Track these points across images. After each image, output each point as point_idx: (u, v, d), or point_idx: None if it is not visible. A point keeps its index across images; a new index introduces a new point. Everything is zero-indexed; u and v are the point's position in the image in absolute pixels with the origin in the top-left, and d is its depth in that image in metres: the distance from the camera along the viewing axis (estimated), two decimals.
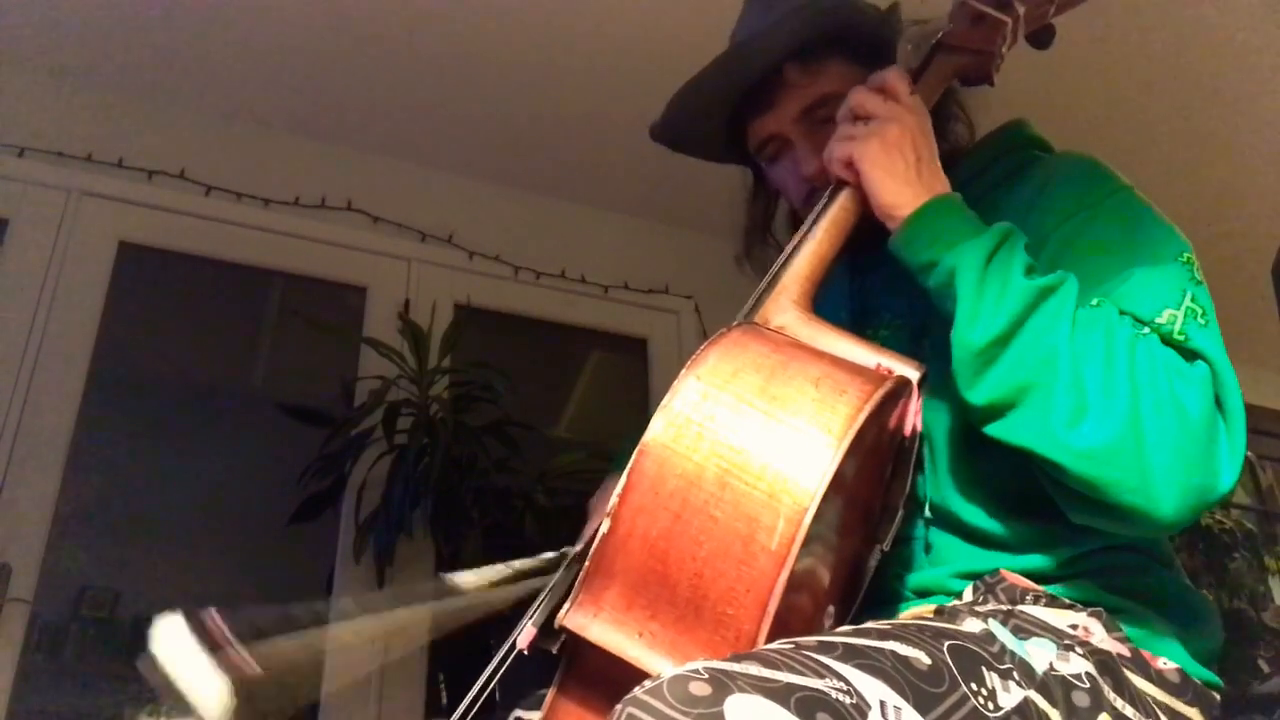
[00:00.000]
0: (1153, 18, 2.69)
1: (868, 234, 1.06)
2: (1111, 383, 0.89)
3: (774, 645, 0.75)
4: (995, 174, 1.19)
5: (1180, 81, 2.92)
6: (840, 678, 0.71)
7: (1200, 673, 0.99)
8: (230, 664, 0.87)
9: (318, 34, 2.69)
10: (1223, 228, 3.40)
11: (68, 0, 2.57)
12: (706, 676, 0.66)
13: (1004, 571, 1.01)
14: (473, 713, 0.96)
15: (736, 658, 0.70)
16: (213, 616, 0.89)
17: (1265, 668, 3.11)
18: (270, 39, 2.71)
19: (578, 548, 1.01)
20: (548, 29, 2.69)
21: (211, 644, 0.87)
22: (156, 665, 0.86)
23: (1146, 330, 0.96)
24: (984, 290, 0.94)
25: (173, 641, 0.86)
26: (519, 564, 1.06)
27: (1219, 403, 0.92)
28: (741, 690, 0.65)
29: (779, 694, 0.66)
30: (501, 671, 0.96)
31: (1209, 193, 3.33)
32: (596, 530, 0.84)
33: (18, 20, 2.60)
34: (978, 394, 0.93)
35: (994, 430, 0.94)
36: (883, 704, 0.71)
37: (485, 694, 0.97)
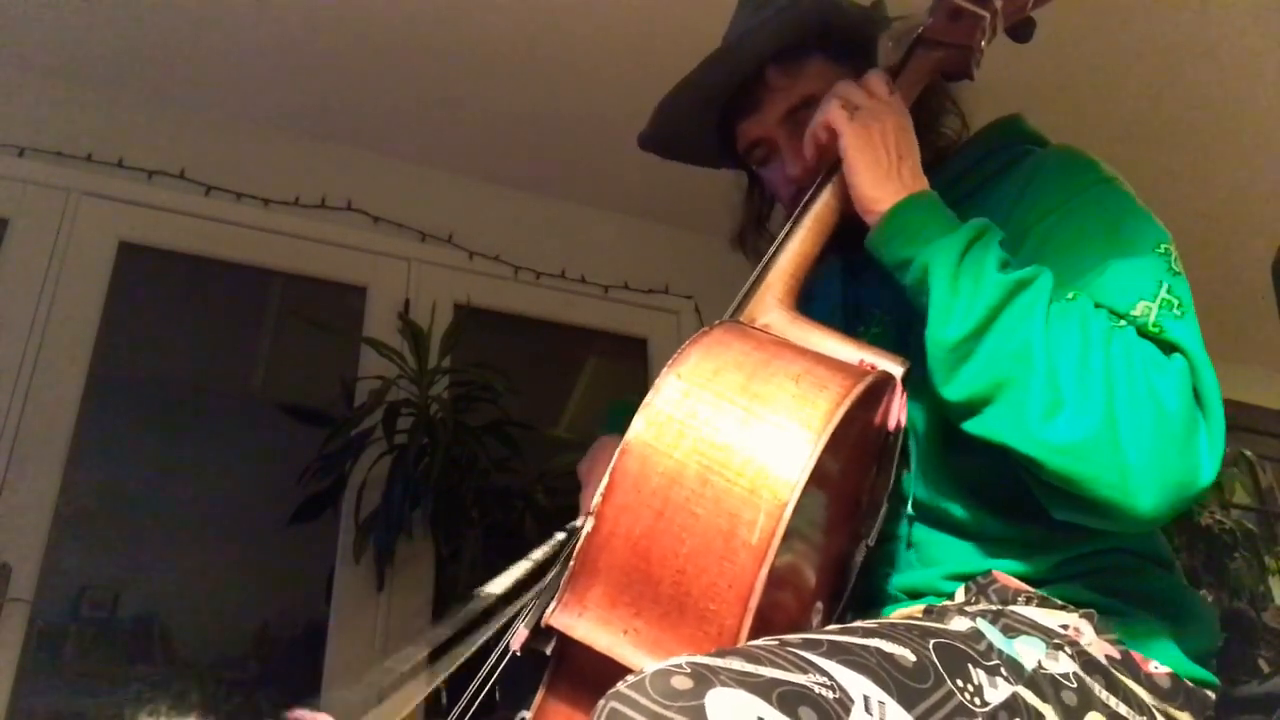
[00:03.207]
0: (1152, 19, 2.68)
1: (857, 234, 1.06)
2: (1087, 376, 0.89)
3: (758, 642, 0.75)
4: (988, 168, 1.19)
5: (1180, 82, 2.92)
6: (824, 673, 0.71)
7: (1194, 672, 0.99)
8: None
9: (318, 34, 2.69)
10: (1223, 228, 3.40)
11: (68, 0, 2.57)
12: (689, 671, 0.66)
13: (996, 573, 1.01)
14: (470, 713, 0.96)
15: (720, 653, 0.71)
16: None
17: (1265, 668, 3.10)
18: (270, 39, 2.71)
19: (580, 521, 1.01)
20: (548, 29, 2.69)
21: None
22: None
23: (1122, 323, 0.95)
24: (957, 286, 0.94)
25: None
26: (537, 554, 1.06)
27: (1197, 396, 0.92)
28: (723, 684, 0.66)
29: (761, 688, 0.67)
30: (500, 672, 0.96)
31: (1209, 193, 3.33)
32: (580, 530, 0.84)
33: (18, 20, 2.61)
34: (953, 390, 0.93)
35: (970, 426, 0.94)
36: (866, 699, 0.71)
37: (483, 695, 0.97)
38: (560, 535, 1.05)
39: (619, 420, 1.28)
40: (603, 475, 1.18)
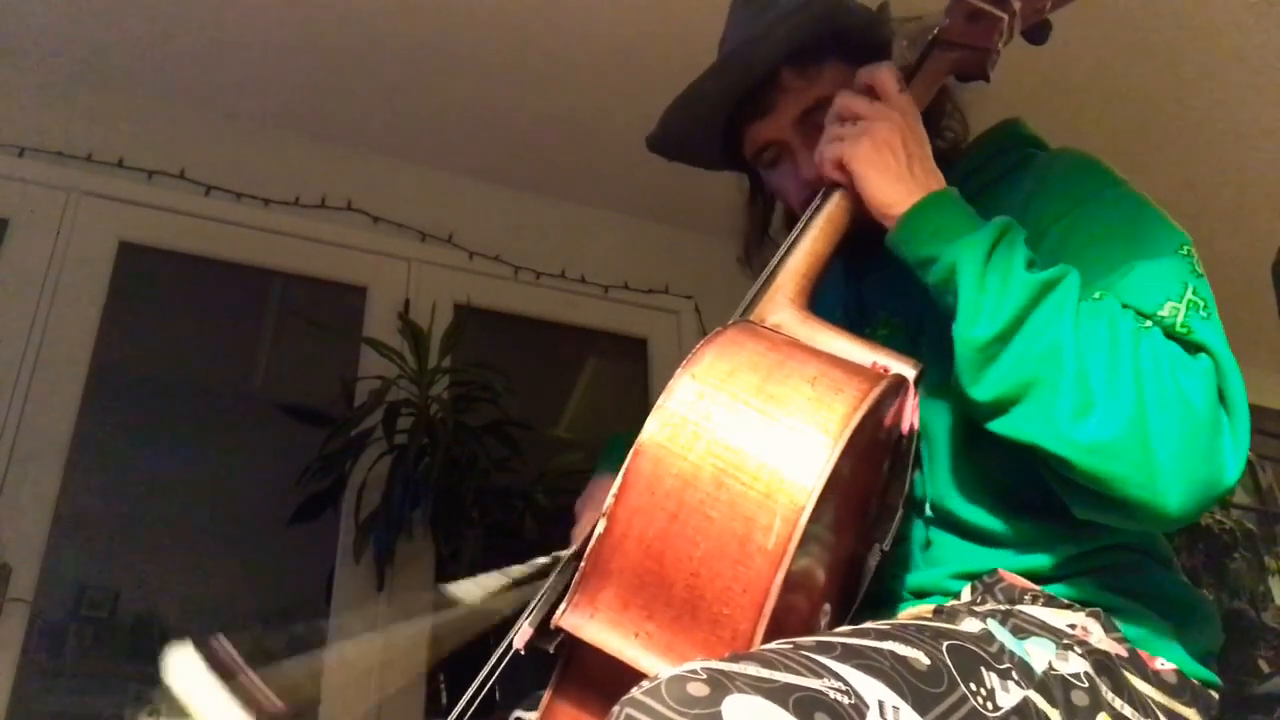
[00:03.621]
0: (1153, 18, 2.68)
1: (864, 235, 1.06)
2: (1116, 377, 0.89)
3: (772, 645, 0.75)
4: (991, 172, 1.19)
5: (1180, 82, 2.92)
6: (839, 678, 0.71)
7: (1198, 672, 0.99)
8: (248, 694, 0.88)
9: (318, 34, 2.69)
10: (1223, 228, 3.40)
11: (68, 1, 2.57)
12: (704, 677, 0.66)
13: (1002, 571, 1.01)
14: (471, 712, 0.96)
15: (734, 658, 0.70)
16: (223, 644, 0.90)
17: (1265, 668, 3.11)
18: (270, 39, 2.71)
19: (569, 550, 1.00)
20: (548, 29, 2.69)
21: (226, 673, 0.88)
22: (174, 696, 0.87)
23: (1149, 323, 0.95)
24: (985, 285, 0.94)
25: (188, 672, 0.87)
26: (515, 570, 1.06)
27: (1222, 396, 0.92)
28: (740, 690, 0.65)
29: (777, 694, 0.66)
30: (500, 671, 0.96)
31: (1209, 193, 3.33)
32: (591, 531, 0.83)
33: (18, 21, 2.60)
34: (981, 390, 0.93)
35: (998, 426, 0.93)
36: (881, 704, 0.70)
37: (484, 694, 0.97)
38: (542, 561, 1.05)
39: (614, 459, 1.28)
40: (594, 514, 1.18)
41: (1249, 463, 3.78)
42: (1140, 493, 0.87)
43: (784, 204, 1.31)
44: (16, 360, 2.52)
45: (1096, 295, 0.96)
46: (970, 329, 0.93)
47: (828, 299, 1.26)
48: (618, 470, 1.10)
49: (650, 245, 3.50)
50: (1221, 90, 2.95)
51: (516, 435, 2.71)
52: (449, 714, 0.95)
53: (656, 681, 0.66)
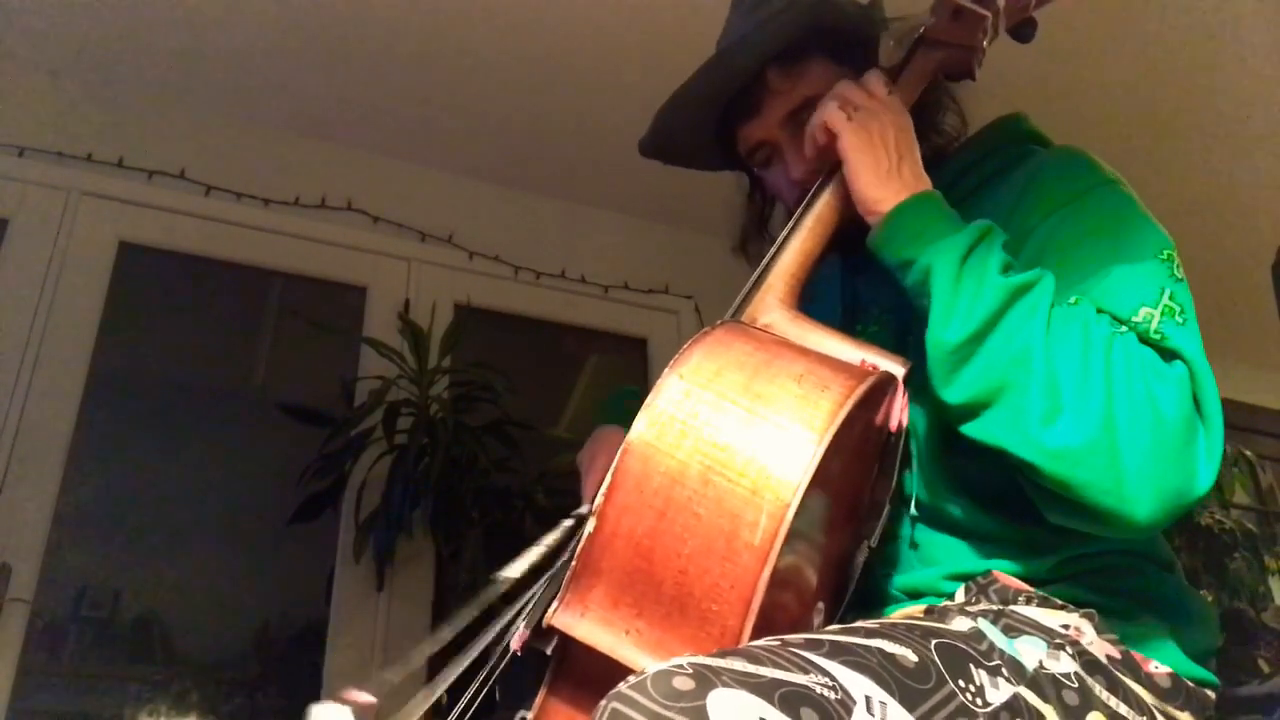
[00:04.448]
0: (1154, 16, 2.68)
1: (858, 232, 1.06)
2: (1086, 382, 0.89)
3: (760, 642, 0.75)
4: (989, 168, 1.19)
5: (1181, 81, 2.92)
6: (826, 674, 0.71)
7: (1194, 672, 0.99)
8: None
9: (317, 34, 2.69)
10: (1223, 227, 3.40)
11: (68, 1, 2.57)
12: (690, 671, 0.66)
13: (996, 572, 1.01)
14: (471, 713, 0.96)
15: (722, 653, 0.71)
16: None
17: (1265, 668, 3.10)
18: (270, 39, 2.71)
19: (584, 509, 1.01)
20: (548, 30, 2.69)
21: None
22: None
23: (1124, 329, 0.95)
24: (959, 288, 0.94)
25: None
26: (547, 540, 1.06)
27: (1196, 403, 0.92)
28: (725, 685, 0.66)
29: (763, 689, 0.67)
30: (499, 672, 0.96)
31: (1209, 193, 3.33)
32: (581, 531, 0.84)
33: (18, 20, 2.61)
34: (952, 393, 0.93)
35: (969, 429, 0.94)
36: (868, 699, 0.71)
37: (484, 694, 0.97)
38: (568, 522, 1.05)
39: (615, 411, 1.28)
40: (603, 465, 1.18)
41: (1249, 462, 3.79)
42: (1107, 499, 0.87)
43: (780, 203, 1.32)
44: (16, 360, 2.52)
45: (1072, 299, 0.96)
46: (942, 332, 0.94)
47: (824, 296, 1.26)
48: (618, 420, 1.09)
49: (650, 245, 3.50)
50: (1222, 90, 2.94)
51: (516, 435, 2.71)
52: (449, 714, 0.95)
53: (643, 676, 0.67)
